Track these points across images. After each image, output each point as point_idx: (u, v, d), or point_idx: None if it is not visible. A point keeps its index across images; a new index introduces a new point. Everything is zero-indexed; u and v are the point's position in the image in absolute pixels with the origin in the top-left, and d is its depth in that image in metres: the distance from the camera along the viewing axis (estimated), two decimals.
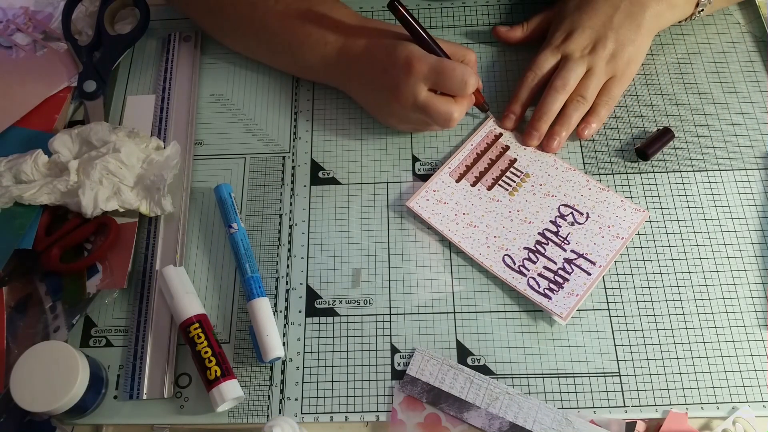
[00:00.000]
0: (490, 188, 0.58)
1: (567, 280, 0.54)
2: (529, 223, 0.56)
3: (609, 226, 0.56)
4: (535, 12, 0.65)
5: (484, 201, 0.58)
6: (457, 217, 0.57)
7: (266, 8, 0.59)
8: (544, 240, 0.56)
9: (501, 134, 0.61)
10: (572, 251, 0.55)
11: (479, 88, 0.59)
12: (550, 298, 0.53)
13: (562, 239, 0.55)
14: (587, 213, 0.56)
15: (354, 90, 0.61)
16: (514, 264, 0.55)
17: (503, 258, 0.55)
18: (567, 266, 0.54)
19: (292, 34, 0.59)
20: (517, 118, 0.60)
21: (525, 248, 0.55)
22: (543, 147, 0.59)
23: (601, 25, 0.58)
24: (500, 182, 0.58)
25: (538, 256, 0.55)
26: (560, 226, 0.56)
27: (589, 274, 0.54)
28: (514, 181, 0.58)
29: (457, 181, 0.59)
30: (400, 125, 0.60)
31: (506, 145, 0.60)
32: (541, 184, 0.58)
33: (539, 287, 0.54)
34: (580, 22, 0.59)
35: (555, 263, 0.55)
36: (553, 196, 0.57)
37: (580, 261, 0.55)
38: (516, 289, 0.54)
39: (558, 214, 0.56)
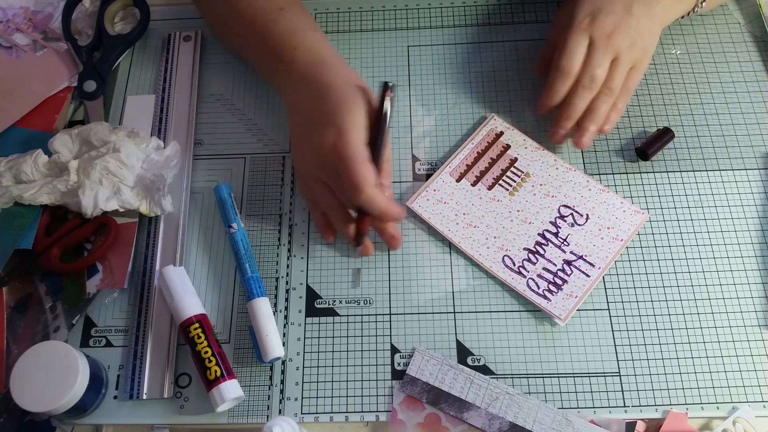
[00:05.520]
0: (490, 188, 0.58)
1: (566, 281, 0.54)
2: (529, 223, 0.56)
3: (609, 228, 0.56)
4: (532, 10, 0.65)
5: (484, 201, 0.58)
6: (457, 217, 0.57)
7: (238, 11, 0.59)
8: (543, 241, 0.56)
9: (502, 133, 0.61)
10: (571, 252, 0.55)
11: (364, 221, 0.54)
12: (549, 300, 0.53)
13: (561, 240, 0.55)
14: (587, 214, 0.56)
15: (291, 114, 0.58)
16: (514, 265, 0.55)
17: (503, 258, 0.55)
18: (566, 268, 0.54)
19: (261, 27, 0.58)
20: (550, 111, 0.58)
21: (525, 249, 0.55)
22: (575, 143, 0.57)
23: (622, 10, 0.55)
24: (501, 182, 0.58)
25: (537, 257, 0.55)
26: (560, 227, 0.56)
27: (588, 275, 0.54)
28: (515, 181, 0.58)
29: (458, 180, 0.59)
30: (296, 173, 0.59)
31: (507, 144, 0.60)
32: (541, 185, 0.58)
33: (538, 288, 0.54)
34: (599, 5, 0.56)
35: (554, 264, 0.55)
36: (553, 196, 0.57)
37: (579, 263, 0.55)
38: (515, 290, 0.54)
39: (558, 215, 0.56)
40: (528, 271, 0.54)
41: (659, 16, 0.57)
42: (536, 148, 0.60)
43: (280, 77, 0.58)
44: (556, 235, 0.56)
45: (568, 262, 0.55)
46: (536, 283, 0.54)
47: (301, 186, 0.58)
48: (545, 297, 0.53)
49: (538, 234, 0.56)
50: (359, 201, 0.50)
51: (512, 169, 0.59)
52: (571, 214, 0.56)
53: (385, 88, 0.51)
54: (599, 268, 0.54)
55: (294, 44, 0.57)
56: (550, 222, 0.56)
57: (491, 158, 0.59)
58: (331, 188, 0.53)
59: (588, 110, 0.56)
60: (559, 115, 0.57)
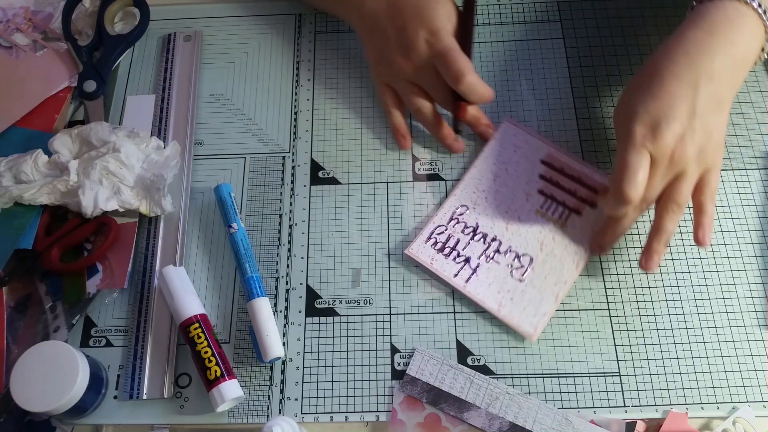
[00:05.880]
0: (539, 191, 0.57)
1: (454, 255, 0.55)
2: (507, 226, 0.56)
3: (511, 299, 0.53)
4: (533, 10, 0.64)
5: (518, 187, 0.57)
6: (485, 170, 0.58)
7: None
8: (492, 243, 0.55)
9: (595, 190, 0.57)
10: (483, 262, 0.55)
11: (463, 107, 0.57)
12: (436, 257, 0.55)
13: (496, 247, 0.55)
14: (525, 283, 0.54)
15: (360, 25, 0.61)
16: (455, 215, 0.56)
17: (457, 208, 0.57)
18: (468, 259, 0.55)
19: None
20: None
21: (476, 225, 0.56)
22: (642, 266, 0.51)
23: (686, 115, 0.47)
24: (549, 199, 0.57)
25: (478, 237, 0.56)
26: (506, 254, 0.55)
27: (460, 279, 0.54)
28: (552, 215, 0.56)
29: (542, 162, 0.58)
30: (379, 82, 0.61)
31: (594, 202, 0.56)
32: (552, 238, 0.55)
33: (436, 245, 0.55)
34: (658, 112, 0.47)
35: (471, 251, 0.55)
36: (540, 247, 0.55)
37: (470, 272, 0.55)
38: (425, 226, 0.56)
39: (517, 255, 0.55)
40: (451, 232, 0.56)
41: (726, 99, 0.50)
42: (596, 238, 0.55)
43: None
44: (498, 249, 0.55)
45: (467, 259, 0.55)
46: (439, 241, 0.55)
47: (384, 94, 0.61)
48: (436, 249, 0.55)
49: (502, 238, 0.55)
50: (461, 88, 0.54)
51: (567, 210, 0.56)
52: (525, 268, 0.54)
53: None
54: (459, 285, 0.54)
55: None
56: (510, 245, 0.55)
57: (571, 188, 0.57)
58: (423, 89, 0.57)
59: (654, 228, 0.50)
60: (602, 230, 0.53)
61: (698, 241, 0.50)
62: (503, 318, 0.53)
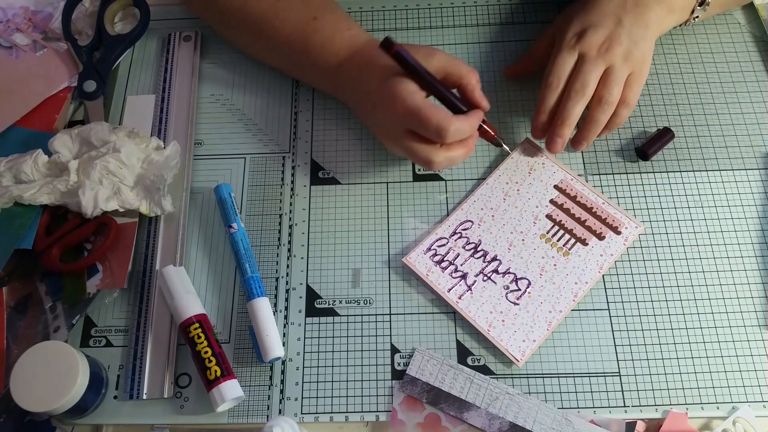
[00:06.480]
0: (548, 216, 0.57)
1: (451, 270, 0.55)
2: (509, 247, 0.56)
3: (502, 321, 0.53)
4: (533, 11, 0.65)
5: (527, 209, 0.57)
6: (497, 187, 0.58)
7: (275, 12, 0.59)
8: (492, 262, 0.55)
9: (621, 234, 0.56)
10: (480, 280, 0.55)
11: (487, 125, 0.56)
12: (432, 269, 0.55)
13: (495, 266, 0.55)
14: (520, 306, 0.53)
15: (352, 109, 0.61)
16: (458, 230, 0.56)
17: (462, 222, 0.56)
18: (465, 275, 0.55)
19: (300, 42, 0.58)
20: (546, 130, 0.57)
21: (479, 241, 0.56)
22: (571, 144, 0.57)
23: (612, 24, 0.55)
24: (557, 225, 0.56)
25: (478, 255, 0.55)
26: (504, 275, 0.55)
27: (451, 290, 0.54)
28: (558, 241, 0.56)
29: (555, 188, 0.58)
30: (391, 151, 0.58)
31: (603, 235, 0.56)
32: (554, 266, 0.55)
33: (434, 257, 0.55)
34: (589, 21, 0.56)
35: (468, 268, 0.55)
36: (540, 273, 0.55)
37: (464, 288, 0.54)
38: (426, 237, 0.56)
39: (515, 277, 0.54)
40: (452, 243, 0.56)
41: (652, 25, 0.56)
42: (600, 269, 0.55)
43: (331, 80, 0.59)
44: (494, 259, 0.55)
45: (464, 275, 0.55)
46: (435, 255, 0.55)
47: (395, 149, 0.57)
48: (434, 265, 0.55)
49: (493, 255, 0.55)
50: (448, 141, 0.52)
51: (574, 239, 0.56)
52: (524, 292, 0.54)
53: (388, 45, 0.51)
54: (449, 302, 0.54)
55: (335, 50, 0.57)
56: (508, 267, 0.55)
57: (581, 218, 0.57)
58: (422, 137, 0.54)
59: (587, 120, 0.56)
60: (555, 122, 0.55)
61: (610, 123, 0.56)
62: (492, 339, 0.52)
